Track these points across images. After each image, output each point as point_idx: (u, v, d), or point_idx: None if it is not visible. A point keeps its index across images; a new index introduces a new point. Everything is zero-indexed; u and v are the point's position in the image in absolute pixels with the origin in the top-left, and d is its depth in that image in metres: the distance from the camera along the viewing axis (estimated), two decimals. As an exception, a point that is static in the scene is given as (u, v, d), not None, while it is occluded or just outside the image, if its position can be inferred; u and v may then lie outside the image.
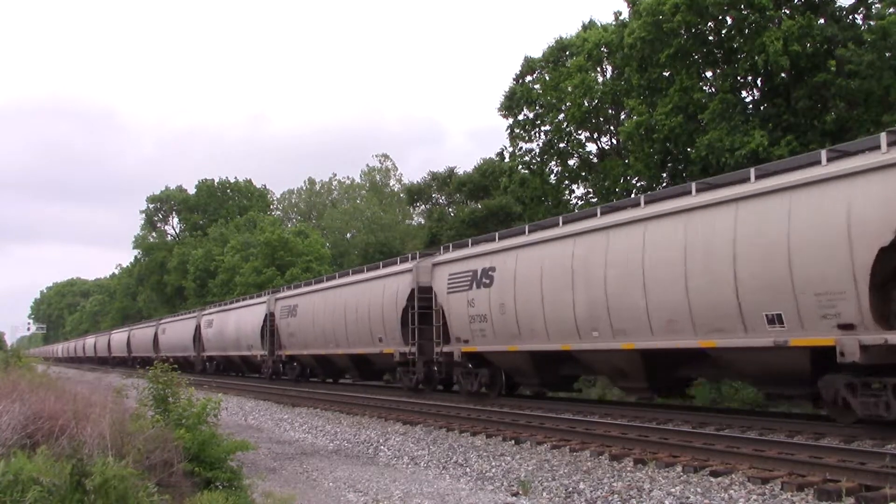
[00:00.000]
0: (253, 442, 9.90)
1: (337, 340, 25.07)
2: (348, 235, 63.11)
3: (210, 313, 39.31)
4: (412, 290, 20.48)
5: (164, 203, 74.40)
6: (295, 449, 13.02)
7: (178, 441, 7.38)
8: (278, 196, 76.85)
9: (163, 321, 49.10)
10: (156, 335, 48.08)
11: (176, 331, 44.76)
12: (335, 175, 75.95)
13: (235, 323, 34.52)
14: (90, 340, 74.54)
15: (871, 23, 19.73)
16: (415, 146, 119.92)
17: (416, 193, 47.16)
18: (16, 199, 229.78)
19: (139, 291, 79.65)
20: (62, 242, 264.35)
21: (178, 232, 75.27)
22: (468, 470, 10.19)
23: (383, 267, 23.75)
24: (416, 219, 58.69)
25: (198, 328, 40.43)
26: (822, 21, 20.04)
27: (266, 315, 30.60)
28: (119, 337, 59.82)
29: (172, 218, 75.63)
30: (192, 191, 72.70)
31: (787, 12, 20.54)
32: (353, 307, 23.91)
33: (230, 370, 39.26)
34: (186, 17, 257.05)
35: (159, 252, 71.07)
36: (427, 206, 48.37)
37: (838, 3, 20.73)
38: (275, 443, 13.88)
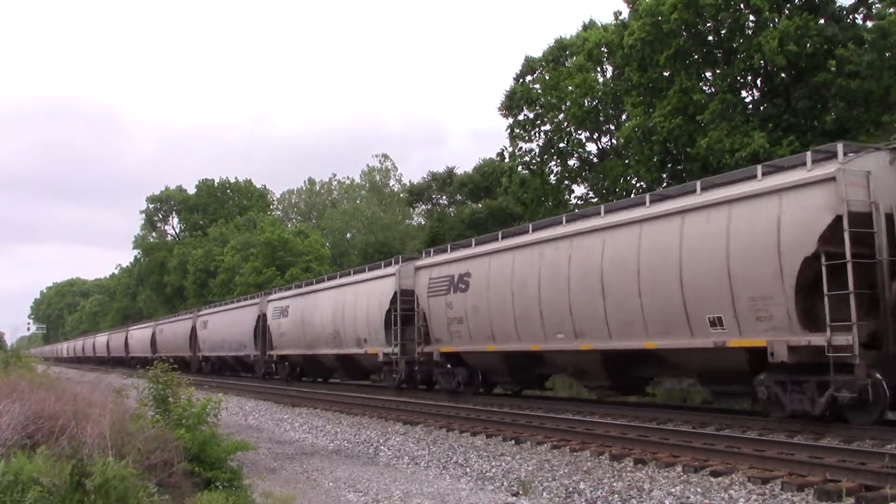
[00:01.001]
0: (253, 442, 9.93)
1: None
2: (348, 235, 63.19)
3: (281, 298, 30.24)
4: (395, 293, 20.95)
5: (164, 203, 74.48)
6: (295, 449, 13.02)
7: (178, 441, 7.39)
8: (278, 196, 77.15)
9: (203, 312, 40.40)
10: (193, 330, 40.33)
11: (224, 324, 35.85)
12: (335, 175, 76.28)
13: (333, 309, 25.27)
14: (101, 339, 67.71)
15: (871, 23, 19.72)
16: (415, 146, 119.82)
17: (416, 194, 47.11)
18: (16, 199, 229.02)
19: (139, 291, 79.68)
20: (62, 242, 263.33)
21: (178, 232, 75.35)
22: (468, 470, 10.19)
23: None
24: (416, 219, 58.71)
25: (261, 319, 31.44)
26: (822, 21, 20.02)
27: (395, 294, 21.21)
28: (140, 334, 52.06)
29: (172, 218, 75.79)
30: (192, 191, 72.86)
31: (787, 12, 20.53)
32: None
33: (311, 374, 30.07)
34: (187, 17, 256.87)
35: (159, 252, 71.10)
36: (427, 207, 48.34)
37: (838, 3, 20.72)
38: (275, 443, 13.88)
